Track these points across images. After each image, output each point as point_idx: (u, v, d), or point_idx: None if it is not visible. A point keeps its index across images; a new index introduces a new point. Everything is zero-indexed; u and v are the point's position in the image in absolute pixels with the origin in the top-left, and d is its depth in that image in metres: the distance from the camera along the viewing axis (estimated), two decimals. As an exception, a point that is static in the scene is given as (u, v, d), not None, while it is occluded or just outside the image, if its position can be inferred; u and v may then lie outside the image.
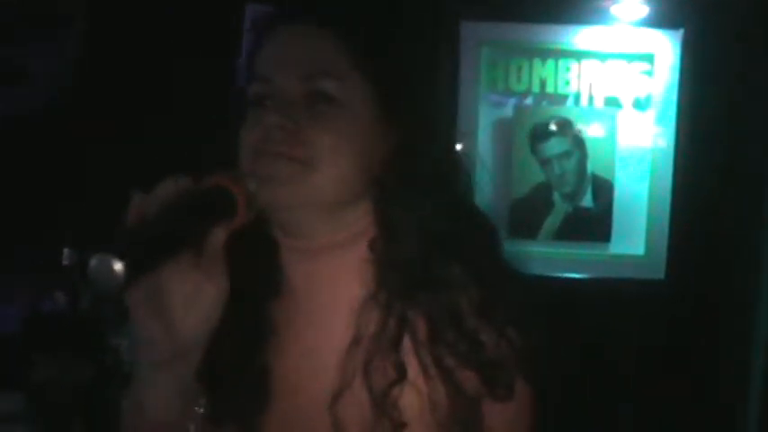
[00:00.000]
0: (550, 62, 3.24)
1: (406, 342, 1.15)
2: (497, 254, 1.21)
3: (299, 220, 1.14)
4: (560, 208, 3.25)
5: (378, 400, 1.12)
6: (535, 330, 1.17)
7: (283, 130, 1.10)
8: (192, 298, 1.03)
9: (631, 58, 3.23)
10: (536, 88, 3.25)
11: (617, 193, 3.24)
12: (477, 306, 1.15)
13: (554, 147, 3.24)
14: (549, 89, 3.25)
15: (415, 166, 1.15)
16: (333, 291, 1.17)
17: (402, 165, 1.15)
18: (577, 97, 3.24)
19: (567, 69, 3.24)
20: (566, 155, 3.24)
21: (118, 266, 0.88)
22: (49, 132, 2.78)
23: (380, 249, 1.16)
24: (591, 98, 3.24)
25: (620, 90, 3.24)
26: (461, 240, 1.17)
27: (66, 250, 2.46)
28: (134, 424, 1.06)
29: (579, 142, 3.23)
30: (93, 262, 0.88)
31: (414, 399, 1.13)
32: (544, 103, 3.25)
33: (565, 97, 3.25)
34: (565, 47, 3.24)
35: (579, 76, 3.24)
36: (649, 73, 3.22)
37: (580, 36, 3.23)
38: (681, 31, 3.19)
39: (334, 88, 1.11)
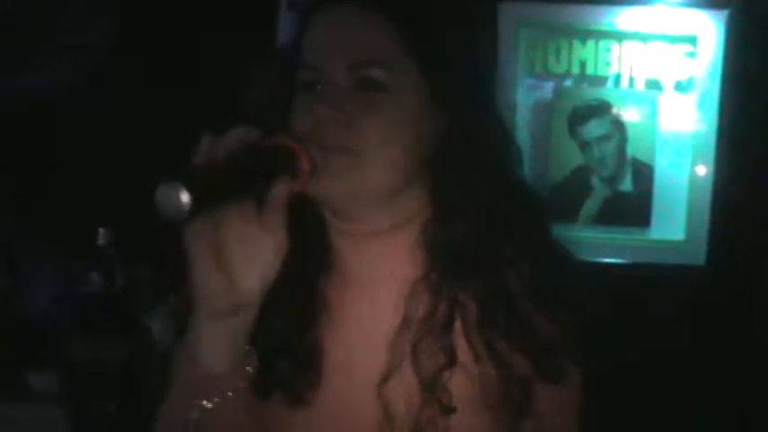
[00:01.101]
0: (591, 43, 3.19)
1: (457, 325, 1.14)
2: (550, 235, 1.20)
3: (351, 209, 1.14)
4: (599, 192, 3.20)
5: (427, 384, 1.12)
6: (587, 314, 1.17)
7: (334, 121, 1.08)
8: (252, 251, 1.03)
9: (674, 39, 3.17)
10: (576, 70, 3.20)
11: (657, 177, 3.18)
12: (529, 288, 1.15)
13: (593, 129, 3.19)
14: (590, 71, 3.19)
15: (468, 149, 1.15)
16: (384, 272, 1.16)
17: (454, 148, 1.14)
18: (618, 79, 3.18)
19: (608, 51, 3.18)
20: (605, 138, 3.19)
21: (185, 196, 0.88)
22: (83, 112, 2.77)
23: (432, 231, 1.15)
24: (632, 80, 3.18)
25: (661, 72, 3.17)
26: (514, 221, 1.16)
27: (101, 230, 2.47)
28: (185, 377, 1.06)
29: (619, 125, 3.18)
30: (161, 189, 0.89)
31: (463, 382, 1.13)
32: (584, 84, 3.20)
33: (605, 79, 3.19)
34: (606, 28, 3.18)
35: (620, 57, 3.18)
36: (692, 55, 3.15)
37: (621, 17, 3.17)
38: (725, 12, 3.12)
39: (385, 76, 1.10)
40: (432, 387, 1.12)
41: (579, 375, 1.18)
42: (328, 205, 1.16)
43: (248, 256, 1.03)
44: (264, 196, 1.02)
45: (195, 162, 0.99)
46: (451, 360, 1.13)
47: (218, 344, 1.05)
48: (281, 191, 1.03)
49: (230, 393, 1.05)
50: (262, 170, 1.03)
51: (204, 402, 1.05)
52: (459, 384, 1.13)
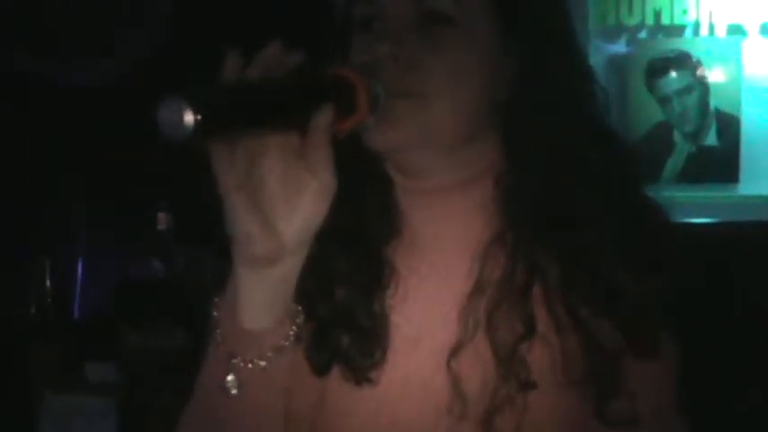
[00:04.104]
0: (664, -10, 3.09)
1: (536, 290, 1.05)
2: (640, 190, 1.10)
3: (418, 161, 1.06)
4: (682, 148, 3.10)
5: (503, 357, 1.04)
6: (683, 278, 1.07)
7: (395, 60, 1.00)
8: (294, 192, 0.93)
9: (756, -22, 3.05)
10: (650, 20, 3.09)
11: (744, 129, 3.07)
12: (618, 249, 1.05)
13: (673, 82, 3.09)
14: (665, 20, 3.08)
15: (547, 91, 1.05)
16: (454, 233, 1.08)
17: (531, 88, 1.05)
18: (696, 27, 3.07)
19: (684, -4, 3.08)
20: (686, 90, 3.08)
21: (188, 116, 0.78)
22: (139, 101, 2.73)
23: (508, 185, 1.07)
24: (711, 27, 3.07)
25: (743, 16, 3.05)
26: (600, 173, 1.06)
27: (160, 214, 2.44)
28: (223, 334, 0.98)
29: (700, 76, 3.08)
30: (163, 107, 0.79)
31: (544, 355, 1.04)
32: (660, 35, 3.10)
33: (682, 28, 3.08)
34: (680, -29, 3.08)
35: (697, 3, 3.07)
36: (777, -6, 3.03)
37: (696, -42, 3.07)
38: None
39: (452, 7, 1.02)
40: (509, 360, 1.03)
41: (675, 349, 1.08)
42: (391, 158, 1.07)
43: (289, 197, 0.93)
44: (308, 128, 0.92)
45: (221, 78, 0.89)
46: (531, 329, 1.03)
47: (258, 296, 0.96)
48: (325, 120, 0.92)
49: (270, 354, 0.97)
50: (305, 98, 0.92)
51: (243, 363, 0.97)
52: (539, 358, 1.04)
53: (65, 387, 2.06)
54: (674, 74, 3.09)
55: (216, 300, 0.99)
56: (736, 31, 3.06)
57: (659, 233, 1.08)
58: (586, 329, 1.03)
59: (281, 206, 0.93)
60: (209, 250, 2.34)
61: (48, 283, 2.29)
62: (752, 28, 3.05)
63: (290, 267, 0.96)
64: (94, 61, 2.91)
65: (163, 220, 2.43)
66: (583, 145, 1.06)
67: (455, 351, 1.04)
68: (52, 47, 2.89)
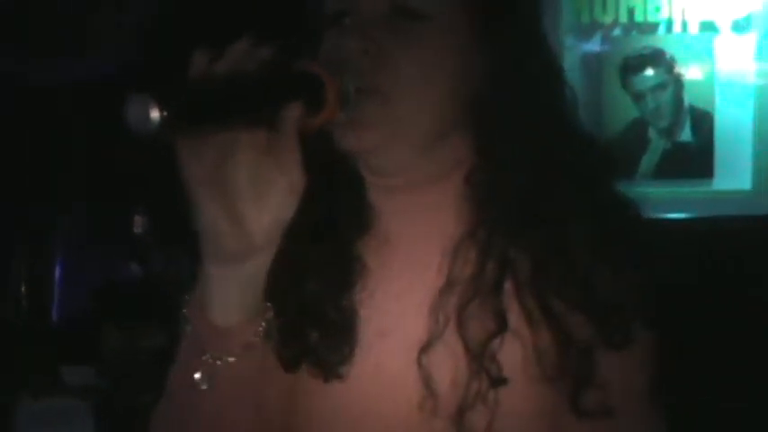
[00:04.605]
0: (637, -12, 3.09)
1: (508, 285, 1.04)
2: (611, 184, 1.09)
3: (388, 160, 1.05)
4: (657, 144, 3.10)
5: (474, 353, 1.02)
6: (655, 271, 1.07)
7: (365, 54, 0.99)
8: (262, 187, 0.93)
9: (726, -24, 3.05)
10: (624, 17, 3.09)
11: (718, 125, 3.07)
12: (590, 241, 1.04)
13: (647, 79, 3.09)
14: (638, 17, 3.09)
15: (518, 84, 1.05)
16: (425, 229, 1.07)
17: (503, 85, 1.04)
18: (669, 24, 3.07)
19: (657, -6, 3.07)
20: (660, 87, 3.08)
21: (155, 112, 0.79)
22: (116, 100, 2.71)
23: (479, 181, 1.06)
24: (684, 24, 3.07)
25: (715, 12, 3.05)
26: (571, 168, 1.06)
27: (136, 217, 2.43)
28: (194, 331, 0.98)
29: (674, 73, 3.08)
30: (131, 103, 0.80)
31: (516, 350, 1.03)
32: (633, 32, 3.10)
33: (656, 25, 3.08)
34: (652, -30, 3.08)
35: (670, 1, 3.07)
36: (748, -9, 3.03)
37: (668, -44, 3.07)
38: (781, -60, 3.01)
39: (424, 4, 1.01)
40: (480, 356, 1.02)
41: (649, 340, 1.07)
42: (360, 156, 1.06)
43: (258, 193, 0.93)
44: (276, 124, 0.92)
45: (189, 76, 0.89)
46: (502, 325, 1.03)
47: (227, 293, 0.96)
48: (293, 117, 0.92)
49: (240, 350, 0.97)
50: (274, 94, 0.92)
51: (213, 359, 0.97)
52: (511, 353, 1.03)
53: (41, 390, 2.05)
54: (648, 71, 3.09)
55: (186, 297, 0.99)
56: (709, 27, 3.06)
57: (631, 227, 1.08)
58: (559, 324, 1.03)
59: (250, 203, 0.93)
60: (187, 251, 2.34)
61: (23, 286, 2.28)
62: (724, 25, 3.05)
63: (258, 264, 0.96)
64: (66, 60, 2.89)
65: (139, 223, 2.42)
66: (553, 142, 1.06)
67: (426, 347, 1.03)
68: (24, 46, 2.87)
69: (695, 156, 3.10)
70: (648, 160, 3.10)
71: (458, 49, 1.03)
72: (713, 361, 2.84)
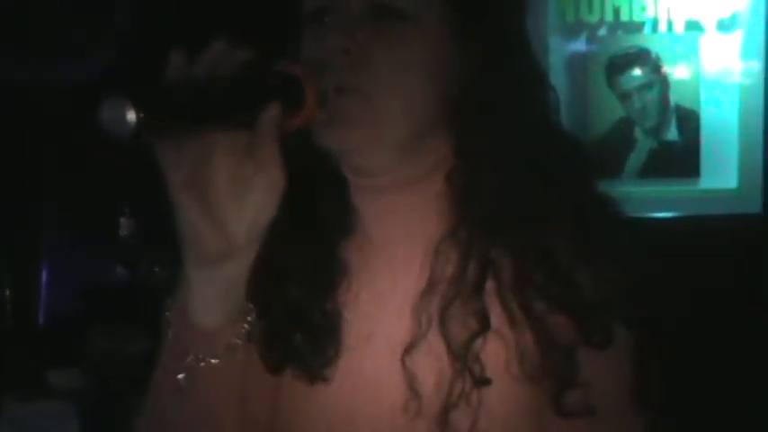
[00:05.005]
0: (623, -13, 3.08)
1: (489, 285, 1.03)
2: (593, 184, 1.08)
3: (368, 160, 1.04)
4: (644, 144, 3.10)
5: (457, 353, 1.02)
6: (637, 270, 1.06)
7: (346, 53, 0.98)
8: (242, 188, 0.93)
9: (711, -25, 3.05)
10: (609, 17, 3.09)
11: (704, 124, 3.08)
12: (571, 241, 1.03)
13: (633, 79, 3.09)
14: (624, 17, 3.09)
15: (499, 85, 1.04)
16: (408, 230, 1.07)
17: (483, 84, 1.03)
18: (655, 23, 3.08)
19: (642, -6, 3.07)
20: (646, 86, 3.09)
21: (131, 115, 0.79)
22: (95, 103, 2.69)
23: (460, 181, 1.05)
24: (670, 23, 3.07)
25: (701, 12, 3.06)
26: (552, 169, 1.05)
27: (122, 220, 2.42)
28: (175, 333, 0.97)
29: (660, 72, 3.08)
30: (106, 105, 0.80)
31: (498, 350, 1.03)
32: (619, 32, 3.10)
33: (641, 24, 3.08)
34: (638, -31, 3.07)
35: (656, 0, 3.07)
36: (733, -10, 3.03)
37: (653, -45, 3.06)
38: (765, -62, 3.01)
39: (405, 3, 1.00)
40: (463, 357, 1.02)
41: (631, 338, 1.06)
42: (341, 155, 1.06)
43: (238, 194, 0.93)
44: (255, 126, 0.91)
45: (165, 77, 0.88)
46: (484, 325, 1.02)
47: (209, 295, 0.96)
48: (271, 117, 0.91)
49: (222, 352, 0.97)
50: (252, 96, 0.91)
51: (196, 361, 0.96)
52: (494, 353, 1.02)
53: (26, 394, 2.04)
54: (634, 70, 3.09)
55: (168, 299, 0.99)
56: (694, 27, 3.07)
57: (612, 227, 1.07)
58: (541, 324, 1.02)
59: (230, 203, 0.93)
60: (174, 254, 2.33)
61: (8, 290, 2.27)
62: (709, 24, 3.06)
63: (240, 265, 0.96)
64: (51, 61, 2.87)
65: (125, 226, 2.41)
66: (534, 143, 1.05)
67: (409, 348, 1.03)
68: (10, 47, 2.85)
69: (681, 155, 3.10)
70: (635, 159, 3.10)
71: (439, 49, 1.03)
72: (699, 360, 2.84)
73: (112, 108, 0.79)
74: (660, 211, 3.06)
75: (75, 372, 2.06)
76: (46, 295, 2.57)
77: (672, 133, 3.10)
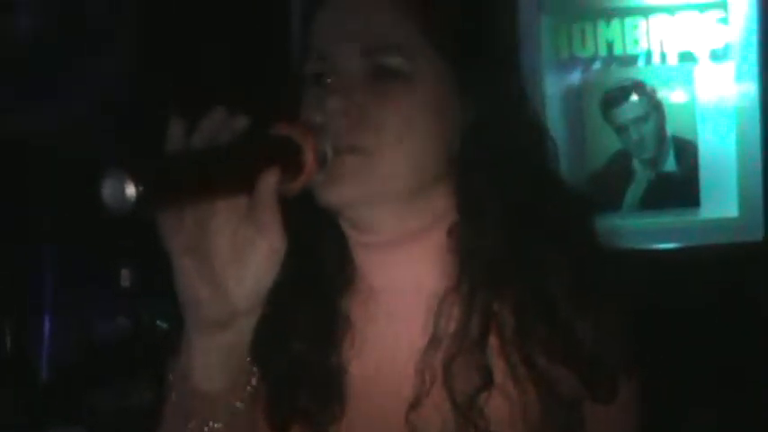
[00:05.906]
0: (615, 22, 3.07)
1: (492, 340, 1.04)
2: (591, 233, 1.10)
3: (368, 216, 1.05)
4: (642, 176, 3.09)
5: (461, 408, 1.03)
6: (634, 308, 1.07)
7: (345, 115, 0.99)
8: (243, 254, 0.93)
9: (703, 7, 3.04)
10: (603, 51, 3.09)
11: (702, 154, 3.07)
12: (572, 294, 1.04)
13: (629, 111, 3.08)
14: (618, 51, 3.09)
15: (498, 143, 1.05)
16: (409, 285, 1.07)
17: (482, 140, 1.05)
18: (648, 56, 3.07)
19: (635, 27, 3.06)
20: (642, 118, 3.08)
21: (130, 189, 0.79)
22: (94, 146, 2.69)
23: (461, 235, 1.06)
24: (663, 55, 3.07)
25: (694, 43, 3.05)
26: (552, 220, 1.06)
27: (123, 271, 2.42)
28: (178, 397, 0.97)
29: (655, 104, 3.07)
30: (105, 180, 0.80)
31: (502, 405, 1.03)
32: (613, 66, 3.09)
33: (635, 58, 3.08)
34: (629, 4, 3.07)
35: (648, 33, 3.07)
36: (724, 21, 3.02)
37: (645, -10, 3.07)
38: (754, -29, 3.00)
39: (402, 62, 1.01)
40: (467, 412, 1.02)
41: (634, 387, 1.07)
42: (342, 214, 1.06)
43: (239, 259, 0.93)
44: (255, 191, 0.92)
45: (167, 150, 0.89)
46: (488, 380, 1.03)
47: (211, 359, 0.96)
48: (271, 183, 0.91)
49: (226, 415, 0.96)
50: (251, 162, 0.91)
51: (199, 426, 0.96)
52: (498, 408, 1.03)
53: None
54: (629, 103, 3.09)
55: (170, 362, 0.99)
56: (688, 58, 3.07)
57: (616, 279, 1.08)
58: (544, 379, 1.03)
59: (231, 269, 0.93)
60: (175, 305, 2.33)
61: (9, 343, 2.26)
62: (702, 54, 3.06)
63: (241, 331, 0.96)
64: (38, 105, 2.87)
65: (126, 277, 2.41)
66: (535, 196, 1.06)
67: (414, 404, 1.03)
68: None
69: (680, 185, 3.09)
70: (634, 192, 3.09)
71: (437, 105, 1.03)
72: (704, 392, 2.83)
73: (111, 182, 0.79)
74: (661, 242, 3.05)
75: (78, 429, 2.04)
76: (47, 348, 2.55)
77: (670, 164, 3.09)
